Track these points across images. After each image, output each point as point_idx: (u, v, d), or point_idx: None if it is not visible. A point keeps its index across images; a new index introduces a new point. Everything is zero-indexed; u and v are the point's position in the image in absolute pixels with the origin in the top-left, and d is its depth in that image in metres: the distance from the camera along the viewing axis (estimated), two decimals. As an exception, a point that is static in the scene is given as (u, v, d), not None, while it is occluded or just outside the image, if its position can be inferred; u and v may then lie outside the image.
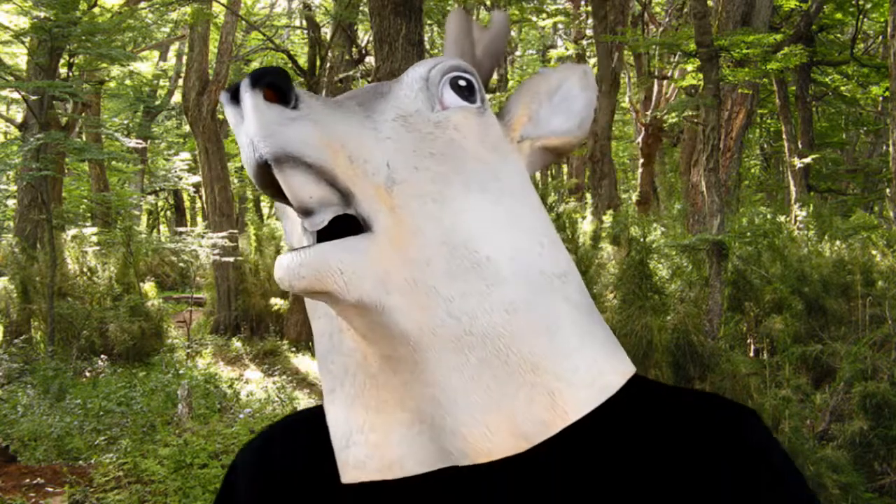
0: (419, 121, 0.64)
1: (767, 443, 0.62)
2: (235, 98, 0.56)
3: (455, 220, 0.60)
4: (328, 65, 9.99)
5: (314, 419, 0.71)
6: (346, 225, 0.57)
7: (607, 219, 8.65)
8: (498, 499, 0.60)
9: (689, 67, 6.60)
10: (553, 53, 19.20)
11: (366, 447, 0.62)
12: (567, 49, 17.22)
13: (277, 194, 0.57)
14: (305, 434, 0.71)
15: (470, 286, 0.59)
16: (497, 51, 0.82)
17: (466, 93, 0.67)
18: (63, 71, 10.22)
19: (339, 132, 0.57)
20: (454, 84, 0.67)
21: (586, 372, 0.62)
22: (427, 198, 0.59)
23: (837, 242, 7.08)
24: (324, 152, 0.55)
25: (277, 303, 9.98)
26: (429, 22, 11.85)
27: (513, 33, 16.21)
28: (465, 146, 0.64)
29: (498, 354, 0.59)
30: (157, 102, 19.94)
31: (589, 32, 14.92)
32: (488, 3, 14.44)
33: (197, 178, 15.16)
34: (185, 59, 13.17)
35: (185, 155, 17.87)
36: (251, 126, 0.54)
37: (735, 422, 0.62)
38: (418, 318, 0.58)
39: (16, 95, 11.81)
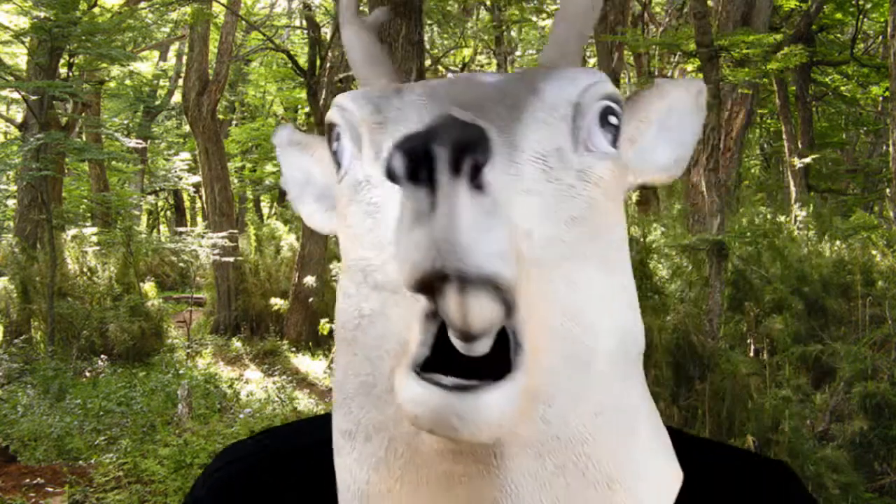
0: (559, 166, 0.51)
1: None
2: (415, 169, 0.40)
3: (578, 311, 0.50)
4: (328, 65, 9.98)
5: (286, 460, 0.65)
6: None
7: (607, 219, 8.65)
8: None
9: (689, 67, 6.60)
10: (553, 53, 19.17)
11: None
12: (567, 49, 17.20)
13: (420, 292, 0.43)
14: (276, 479, 0.64)
15: (571, 386, 0.50)
16: (598, 9, 0.63)
17: (613, 133, 0.55)
18: (63, 71, 10.21)
19: (517, 221, 0.46)
20: (603, 118, 0.54)
21: (655, 485, 0.56)
22: (560, 282, 0.49)
23: (837, 242, 7.09)
24: (515, 265, 0.42)
25: (277, 303, 9.97)
26: (429, 22, 11.85)
27: (513, 33, 16.22)
28: (601, 208, 0.53)
29: (577, 463, 0.51)
30: (157, 102, 19.94)
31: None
32: (488, 3, 14.45)
33: (197, 178, 15.15)
34: (185, 59, 13.17)
35: (185, 155, 17.86)
36: (452, 233, 0.39)
37: None
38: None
39: (16, 95, 11.81)
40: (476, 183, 0.40)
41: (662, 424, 0.60)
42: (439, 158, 0.39)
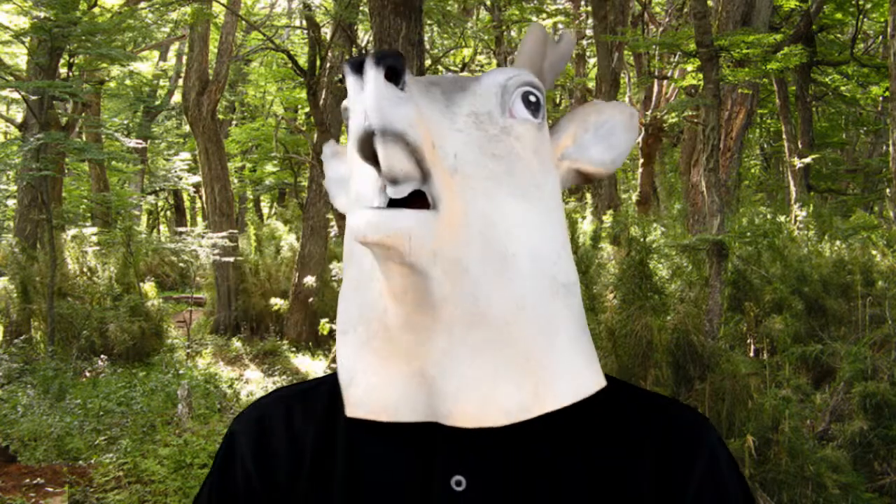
0: (489, 122, 0.72)
1: (717, 442, 0.74)
2: (358, 69, 0.62)
3: (497, 217, 0.69)
4: (328, 65, 9.98)
5: (304, 393, 0.81)
6: (414, 197, 0.66)
7: (607, 219, 8.65)
8: (468, 459, 0.70)
9: (689, 67, 6.59)
10: (553, 53, 19.13)
11: (366, 388, 0.71)
12: (567, 49, 17.14)
13: (369, 159, 0.64)
14: (297, 404, 0.80)
15: (494, 275, 0.67)
16: (559, 68, 0.89)
17: (533, 108, 0.75)
18: (63, 71, 10.20)
19: (429, 119, 0.66)
20: (525, 97, 0.75)
21: (569, 374, 0.71)
22: (479, 192, 0.68)
23: (837, 242, 7.08)
24: (420, 135, 0.63)
25: (277, 303, 9.97)
26: (429, 22, 11.84)
27: (513, 33, 16.19)
28: (521, 155, 0.73)
29: (501, 339, 0.68)
30: (157, 102, 19.93)
31: (589, 32, 14.91)
32: (488, 3, 14.44)
33: (197, 178, 15.15)
34: (185, 59, 13.16)
35: (185, 155, 17.86)
36: (369, 98, 0.61)
37: (692, 426, 0.75)
38: (448, 291, 0.66)
39: (16, 95, 11.80)
40: (394, 79, 0.62)
41: (592, 348, 0.75)
42: (367, 59, 0.61)
